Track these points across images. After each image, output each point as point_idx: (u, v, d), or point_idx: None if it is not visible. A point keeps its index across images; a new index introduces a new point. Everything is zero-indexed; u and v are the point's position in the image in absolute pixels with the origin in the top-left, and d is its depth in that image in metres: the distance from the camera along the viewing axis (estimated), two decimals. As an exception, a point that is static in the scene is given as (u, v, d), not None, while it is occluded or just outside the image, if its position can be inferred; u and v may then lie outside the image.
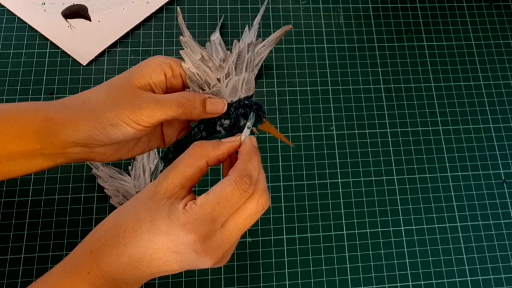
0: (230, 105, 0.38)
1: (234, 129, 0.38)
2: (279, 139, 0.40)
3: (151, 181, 0.39)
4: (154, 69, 0.35)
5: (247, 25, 0.38)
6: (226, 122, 0.38)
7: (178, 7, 0.38)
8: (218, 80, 0.37)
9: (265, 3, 0.41)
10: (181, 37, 0.36)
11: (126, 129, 0.34)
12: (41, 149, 0.35)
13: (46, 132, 0.34)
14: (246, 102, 0.38)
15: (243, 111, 0.38)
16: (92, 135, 0.34)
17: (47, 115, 0.34)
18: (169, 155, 0.38)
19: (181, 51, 0.36)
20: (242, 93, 0.38)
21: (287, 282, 0.44)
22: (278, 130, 0.50)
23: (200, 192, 0.48)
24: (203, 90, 0.37)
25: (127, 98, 0.34)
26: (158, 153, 0.47)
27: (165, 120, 0.35)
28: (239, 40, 0.37)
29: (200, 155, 0.33)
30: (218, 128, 0.38)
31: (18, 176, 0.38)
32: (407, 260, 0.46)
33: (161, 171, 0.37)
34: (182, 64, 0.36)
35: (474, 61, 0.55)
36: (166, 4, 0.55)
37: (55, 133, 0.34)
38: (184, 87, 0.37)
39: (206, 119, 0.37)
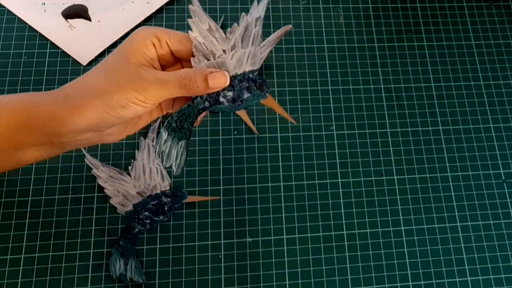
0: (234, 77, 0.38)
1: (237, 102, 0.38)
2: (280, 115, 0.40)
3: (160, 158, 0.39)
4: (144, 42, 0.35)
5: (255, 0, 0.38)
6: (230, 94, 0.38)
7: None
8: (224, 51, 0.37)
9: None
10: (190, 6, 0.36)
11: (136, 108, 0.35)
12: (50, 139, 0.35)
13: (54, 125, 0.34)
14: (250, 75, 0.38)
15: (247, 84, 0.38)
16: (103, 119, 0.34)
17: (51, 109, 0.34)
18: (172, 124, 0.38)
19: (189, 20, 0.36)
20: (247, 66, 0.38)
21: (287, 282, 0.44)
22: (278, 131, 0.50)
23: (200, 192, 0.48)
24: (208, 60, 0.37)
25: (130, 79, 0.34)
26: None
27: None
28: (247, 13, 0.37)
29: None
30: (221, 99, 0.38)
31: (29, 164, 0.39)
32: (407, 260, 0.46)
33: (165, 140, 0.38)
34: (190, 32, 0.36)
35: (474, 61, 0.55)
36: (166, 4, 0.55)
37: (64, 124, 0.34)
38: (172, 54, 0.37)
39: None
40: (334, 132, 0.50)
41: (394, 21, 0.56)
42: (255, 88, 0.38)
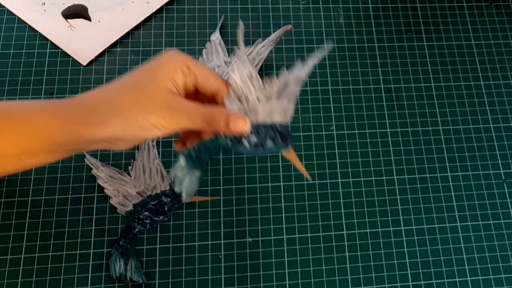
0: (261, 125, 0.39)
1: (259, 148, 0.39)
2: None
3: (172, 181, 0.39)
4: (175, 69, 0.36)
5: (299, 58, 0.39)
6: (254, 139, 0.39)
7: (241, 22, 0.40)
8: (258, 99, 0.39)
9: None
10: (237, 50, 0.39)
11: (155, 132, 0.35)
12: (64, 148, 0.35)
13: (70, 136, 0.34)
14: (277, 127, 0.39)
15: (272, 134, 0.39)
16: (120, 136, 0.34)
17: (68, 122, 0.34)
18: (192, 154, 0.39)
19: (233, 62, 0.38)
20: (277, 118, 0.39)
21: (287, 282, 0.44)
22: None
23: (200, 192, 0.48)
24: (241, 103, 0.38)
25: (157, 104, 0.34)
26: (158, 154, 0.47)
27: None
28: (289, 70, 0.39)
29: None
30: (245, 142, 0.39)
31: (35, 167, 0.39)
32: (407, 260, 0.46)
33: (182, 168, 0.39)
34: (231, 74, 0.38)
35: (474, 61, 0.55)
36: (166, 4, 0.55)
37: (81, 137, 0.34)
38: (196, 89, 0.37)
39: None
40: (334, 132, 0.50)
41: (394, 21, 0.56)
42: (279, 139, 0.39)
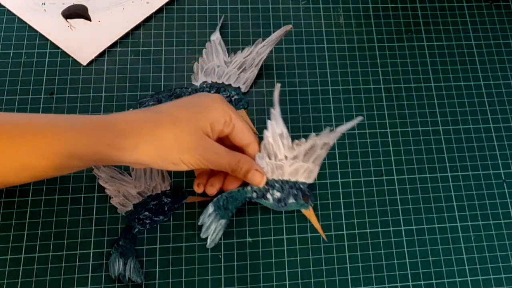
0: (286, 182, 0.43)
1: (281, 203, 0.43)
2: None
3: (200, 227, 0.44)
4: (219, 118, 0.37)
5: (328, 127, 0.43)
6: (277, 194, 0.43)
7: (279, 84, 0.43)
8: (286, 157, 0.42)
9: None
10: (272, 110, 0.43)
11: (183, 167, 0.37)
12: (89, 165, 0.36)
13: (100, 158, 0.35)
14: (301, 186, 0.43)
15: (295, 192, 0.43)
16: (147, 163, 0.36)
17: (100, 147, 0.34)
18: (220, 202, 0.43)
19: (268, 121, 0.42)
20: (301, 177, 0.43)
21: (287, 282, 0.44)
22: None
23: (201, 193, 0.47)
24: (270, 159, 0.42)
25: (194, 146, 0.36)
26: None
27: None
28: (317, 134, 0.43)
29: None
30: (268, 196, 0.43)
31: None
32: (407, 260, 0.46)
33: (209, 215, 0.43)
34: (265, 131, 0.42)
35: (474, 61, 0.55)
36: (166, 4, 0.55)
37: (110, 160, 0.35)
38: (227, 137, 0.40)
39: None
40: (334, 132, 0.50)
41: (394, 21, 0.56)
42: (301, 197, 0.43)
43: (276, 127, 0.42)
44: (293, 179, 0.43)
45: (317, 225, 0.44)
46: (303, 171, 0.43)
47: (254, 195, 0.43)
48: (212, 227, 0.43)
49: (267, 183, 0.43)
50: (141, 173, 0.46)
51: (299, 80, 0.52)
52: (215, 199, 0.43)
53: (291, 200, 0.43)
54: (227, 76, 0.51)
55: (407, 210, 0.48)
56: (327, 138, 0.43)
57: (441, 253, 0.46)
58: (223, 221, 0.43)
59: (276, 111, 0.43)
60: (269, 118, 0.43)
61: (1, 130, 0.33)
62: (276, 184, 0.43)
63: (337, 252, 0.45)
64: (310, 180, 0.43)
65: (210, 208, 0.43)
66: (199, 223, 0.43)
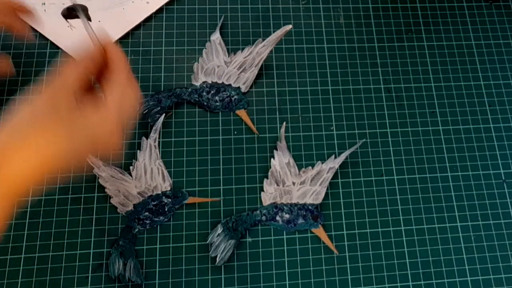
0: (295, 205, 0.45)
1: (291, 224, 0.45)
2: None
3: (209, 246, 0.44)
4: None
5: (333, 155, 0.47)
6: (287, 216, 0.45)
7: (284, 122, 0.48)
8: (293, 183, 0.46)
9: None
10: (278, 143, 0.48)
11: None
12: None
13: None
14: (310, 207, 0.45)
15: (304, 213, 0.45)
16: None
17: None
18: (229, 224, 0.44)
19: (275, 151, 0.47)
20: (309, 200, 0.46)
21: (287, 282, 0.44)
22: (278, 131, 0.50)
23: (200, 192, 0.48)
24: (278, 185, 0.46)
25: None
26: (160, 154, 0.47)
27: None
28: (323, 162, 0.47)
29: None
30: (278, 218, 0.45)
31: None
32: (407, 260, 0.46)
33: (218, 234, 0.44)
34: (272, 160, 0.47)
35: (474, 61, 0.55)
36: (166, 4, 0.55)
37: None
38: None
39: (271, 205, 0.45)
40: (334, 132, 0.50)
41: (394, 21, 0.56)
42: (310, 218, 0.45)
43: (283, 157, 0.46)
44: (301, 201, 0.45)
45: (328, 242, 0.45)
46: (311, 194, 0.45)
47: (264, 217, 0.45)
48: (221, 246, 0.44)
49: (276, 206, 0.45)
50: (141, 173, 0.46)
51: (299, 80, 0.52)
52: (224, 220, 0.44)
53: (301, 221, 0.45)
54: (227, 76, 0.51)
55: (407, 210, 0.48)
56: (332, 163, 0.46)
57: (441, 253, 0.46)
58: (232, 241, 0.44)
59: (282, 144, 0.47)
60: (275, 149, 0.47)
61: None
62: (285, 207, 0.45)
63: (337, 252, 0.45)
64: (317, 201, 0.46)
65: (219, 229, 0.44)
66: (208, 242, 0.44)
